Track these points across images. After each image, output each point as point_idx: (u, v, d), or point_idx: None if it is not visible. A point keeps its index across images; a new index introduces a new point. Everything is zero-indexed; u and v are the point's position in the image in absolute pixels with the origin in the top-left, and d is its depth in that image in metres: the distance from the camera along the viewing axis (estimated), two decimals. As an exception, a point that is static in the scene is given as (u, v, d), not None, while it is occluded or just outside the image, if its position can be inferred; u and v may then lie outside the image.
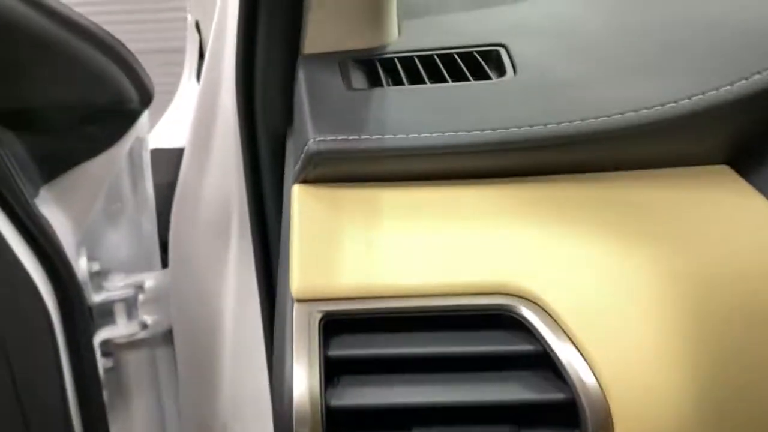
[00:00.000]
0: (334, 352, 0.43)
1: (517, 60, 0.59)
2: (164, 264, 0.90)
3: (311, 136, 0.51)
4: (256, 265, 0.71)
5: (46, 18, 0.64)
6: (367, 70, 0.61)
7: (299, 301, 0.44)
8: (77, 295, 0.71)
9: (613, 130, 0.48)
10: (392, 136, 0.51)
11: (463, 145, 0.50)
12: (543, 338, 0.42)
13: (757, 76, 0.47)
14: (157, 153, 0.87)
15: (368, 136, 0.51)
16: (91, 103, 0.69)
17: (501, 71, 0.59)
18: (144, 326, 0.86)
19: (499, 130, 0.49)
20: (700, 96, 0.48)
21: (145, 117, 0.77)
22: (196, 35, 1.09)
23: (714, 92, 0.48)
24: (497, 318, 0.44)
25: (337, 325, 0.44)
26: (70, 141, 0.70)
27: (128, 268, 0.86)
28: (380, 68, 0.60)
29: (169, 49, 2.83)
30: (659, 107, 0.48)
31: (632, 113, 0.49)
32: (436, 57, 0.62)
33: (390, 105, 0.55)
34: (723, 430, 0.42)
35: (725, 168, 0.51)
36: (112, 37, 0.69)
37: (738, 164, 0.50)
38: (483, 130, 0.50)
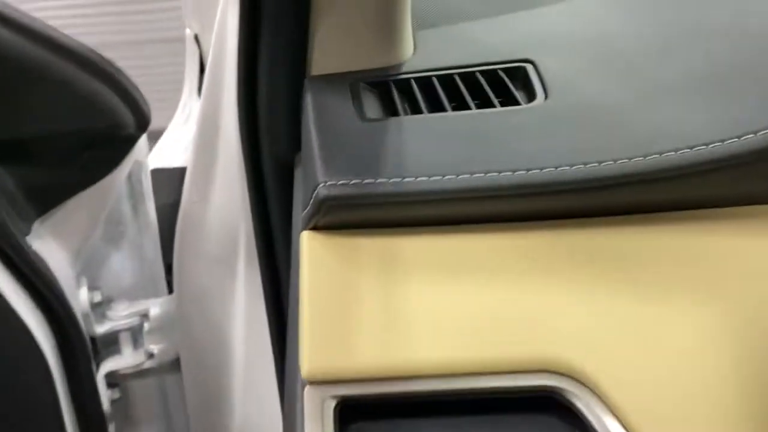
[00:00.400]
0: None
1: (547, 79, 0.53)
2: (170, 286, 0.86)
3: (321, 179, 0.45)
4: (266, 298, 0.66)
5: (34, 43, 0.59)
6: (382, 94, 0.56)
7: (311, 383, 0.39)
8: (76, 335, 0.67)
9: (666, 170, 0.43)
10: (412, 179, 0.45)
11: (493, 189, 0.44)
12: (593, 427, 0.37)
13: None
14: (158, 173, 0.82)
15: (385, 180, 0.45)
16: (85, 130, 0.64)
17: (530, 94, 0.53)
18: (150, 356, 0.82)
19: (532, 171, 0.44)
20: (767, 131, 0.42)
21: (143, 140, 0.72)
22: (196, 48, 1.04)
23: None
24: (540, 398, 0.39)
25: (354, 409, 0.39)
26: (65, 171, 0.65)
27: (133, 294, 0.82)
28: (395, 92, 0.55)
29: (174, 38, 2.77)
30: (719, 144, 0.43)
31: (687, 150, 0.43)
32: (456, 77, 0.56)
33: (408, 139, 0.49)
34: None
35: None
36: (106, 60, 0.64)
37: None
38: (514, 171, 0.44)
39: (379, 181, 0.45)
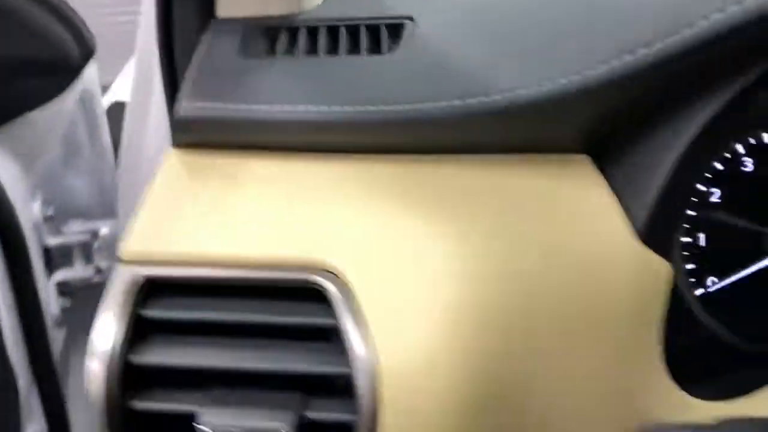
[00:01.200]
0: (148, 312, 0.45)
1: (418, 36, 0.58)
2: (126, 212, 0.94)
3: (182, 101, 0.52)
4: None
5: None
6: (270, 38, 0.61)
7: (124, 262, 0.47)
8: (17, 240, 0.74)
9: (451, 117, 0.48)
10: (257, 106, 0.51)
11: (322, 122, 0.50)
12: (336, 313, 0.43)
13: (603, 66, 0.45)
14: (117, 107, 0.90)
15: (234, 105, 0.51)
16: (28, 57, 0.71)
17: (397, 46, 0.58)
18: (98, 271, 0.90)
19: (355, 107, 0.50)
20: (549, 85, 0.46)
21: (92, 71, 0.79)
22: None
23: (563, 80, 0.46)
24: (311, 291, 0.45)
25: (161, 290, 0.46)
26: (10, 93, 0.73)
27: (88, 215, 0.90)
28: (283, 37, 0.60)
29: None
30: (498, 95, 0.47)
31: (472, 100, 0.48)
32: (342, 28, 0.61)
33: (273, 74, 0.55)
34: (485, 428, 0.42)
35: (583, 158, 0.49)
36: None
37: (598, 154, 0.49)
38: (343, 105, 0.50)
39: (229, 105, 0.51)
